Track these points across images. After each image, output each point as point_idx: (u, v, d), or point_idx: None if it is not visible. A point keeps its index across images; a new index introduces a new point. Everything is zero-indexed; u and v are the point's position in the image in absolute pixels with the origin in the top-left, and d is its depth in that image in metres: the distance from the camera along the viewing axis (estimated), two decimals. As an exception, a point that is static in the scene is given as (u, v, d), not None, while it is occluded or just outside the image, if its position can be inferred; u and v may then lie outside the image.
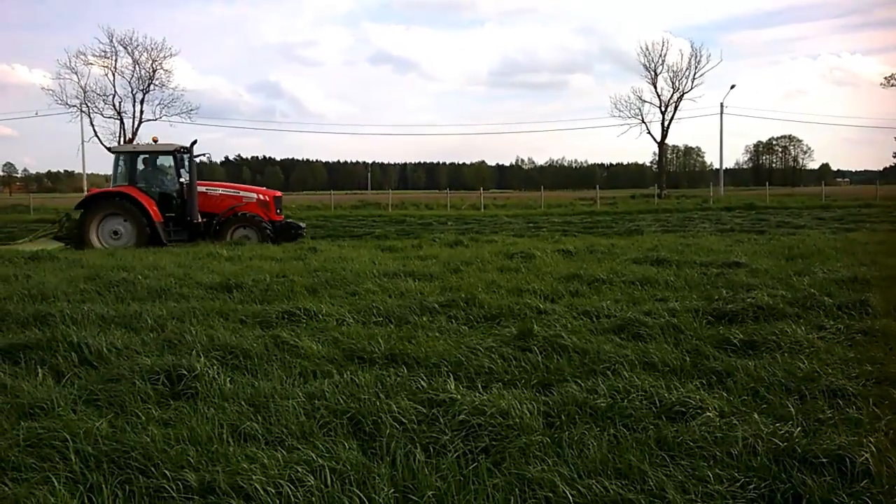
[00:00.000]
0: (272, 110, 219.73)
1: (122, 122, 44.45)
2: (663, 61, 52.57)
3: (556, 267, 9.54)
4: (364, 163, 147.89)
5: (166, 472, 3.18)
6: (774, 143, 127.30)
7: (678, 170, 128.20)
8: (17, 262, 11.03)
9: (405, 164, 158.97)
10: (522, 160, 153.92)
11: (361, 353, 5.13)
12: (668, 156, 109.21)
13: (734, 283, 7.76)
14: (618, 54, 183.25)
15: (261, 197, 17.03)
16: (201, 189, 16.57)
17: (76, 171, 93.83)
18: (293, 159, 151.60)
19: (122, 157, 16.68)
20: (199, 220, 16.31)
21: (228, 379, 4.49)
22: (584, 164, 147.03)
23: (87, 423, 3.67)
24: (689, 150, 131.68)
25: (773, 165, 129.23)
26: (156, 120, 44.87)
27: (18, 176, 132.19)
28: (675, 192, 62.12)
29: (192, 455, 3.34)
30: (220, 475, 3.11)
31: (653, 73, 52.69)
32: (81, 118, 44.52)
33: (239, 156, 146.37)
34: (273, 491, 2.98)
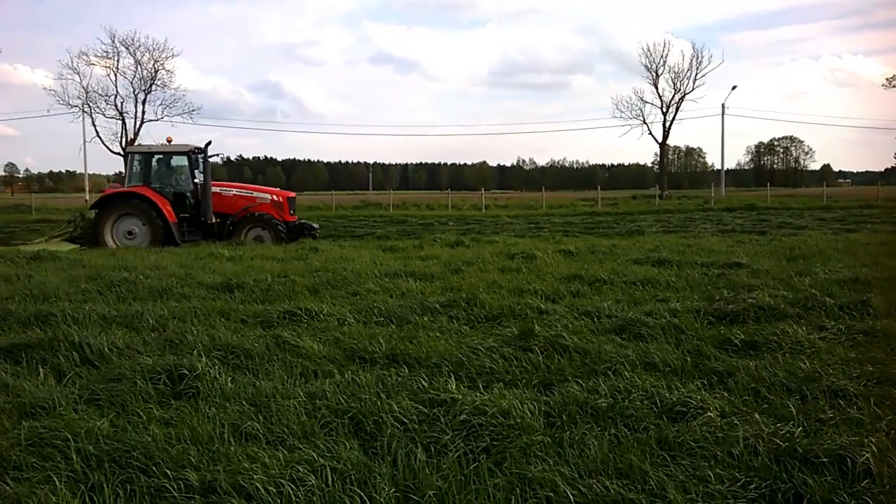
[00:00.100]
0: (273, 110, 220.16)
1: (123, 123, 44.42)
2: (664, 62, 52.68)
3: (557, 267, 9.54)
4: (365, 163, 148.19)
5: (167, 471, 3.18)
6: (776, 143, 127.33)
7: (679, 170, 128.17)
8: (18, 261, 11.04)
9: (406, 164, 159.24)
10: (524, 161, 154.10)
11: (362, 352, 5.14)
12: (670, 156, 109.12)
13: (735, 284, 7.76)
14: (619, 55, 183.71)
15: (274, 198, 17.08)
16: (215, 189, 16.62)
17: (78, 172, 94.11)
18: (294, 159, 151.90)
19: (136, 158, 16.71)
20: (214, 220, 16.37)
21: (230, 378, 4.49)
22: (586, 165, 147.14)
23: (88, 423, 3.67)
24: (690, 151, 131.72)
25: (775, 166, 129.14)
26: (157, 120, 44.90)
27: (20, 176, 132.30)
28: (677, 193, 62.10)
29: (193, 454, 3.35)
30: (221, 474, 3.11)
31: (654, 73, 52.78)
32: (83, 118, 44.51)
33: (240, 156, 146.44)
34: (274, 490, 2.99)
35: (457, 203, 41.44)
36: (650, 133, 53.74)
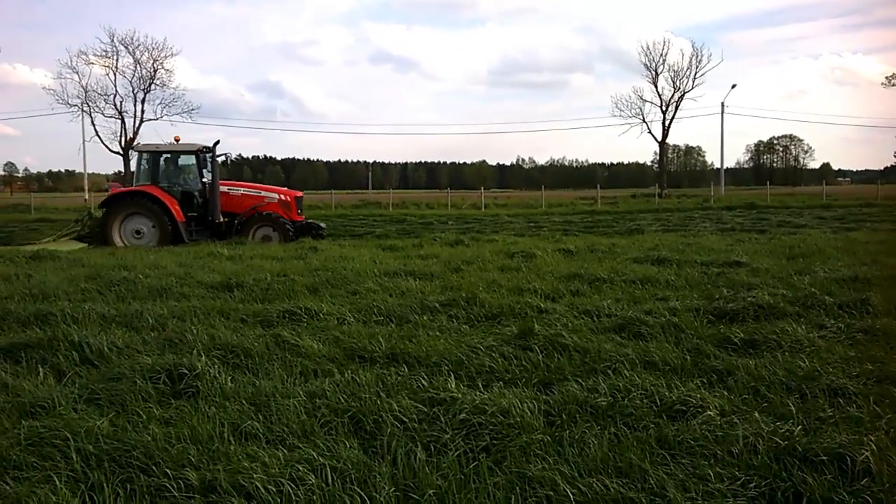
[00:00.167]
0: (273, 110, 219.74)
1: (123, 122, 44.42)
2: (664, 61, 52.65)
3: (556, 266, 9.54)
4: (365, 162, 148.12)
5: (167, 470, 3.18)
6: (775, 142, 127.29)
7: (679, 169, 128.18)
8: (18, 261, 11.04)
9: (406, 163, 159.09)
10: (523, 160, 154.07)
11: (362, 352, 5.14)
12: (669, 155, 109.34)
13: (735, 283, 7.76)
14: (618, 54, 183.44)
15: (282, 197, 17.11)
16: (223, 189, 16.64)
17: (77, 171, 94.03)
18: (294, 159, 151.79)
19: (144, 157, 16.74)
20: (222, 219, 16.38)
21: (229, 378, 4.49)
22: (585, 164, 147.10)
23: (88, 422, 3.67)
24: (689, 150, 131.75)
25: (774, 165, 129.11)
26: (157, 119, 44.91)
27: (19, 175, 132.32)
28: (676, 192, 62.13)
29: (193, 454, 3.35)
30: (221, 474, 3.11)
31: (653, 72, 52.77)
32: (83, 118, 44.52)
33: (240, 155, 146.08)
34: (274, 489, 2.99)
35: (456, 202, 41.44)
36: (650, 132, 53.78)
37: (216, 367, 4.65)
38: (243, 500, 2.96)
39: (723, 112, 51.60)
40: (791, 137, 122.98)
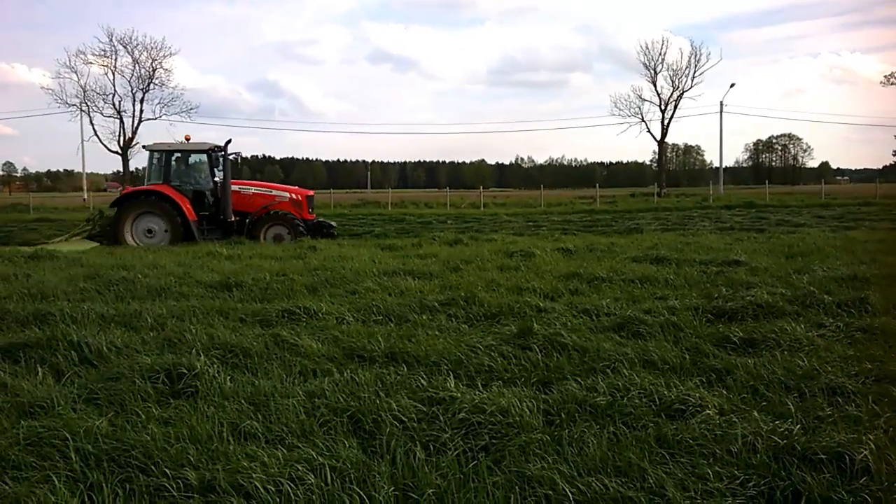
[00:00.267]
0: (271, 109, 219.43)
1: (121, 122, 44.51)
2: (663, 60, 52.65)
3: (555, 265, 9.54)
4: (364, 161, 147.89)
5: (166, 470, 3.18)
6: (774, 141, 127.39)
7: (678, 168, 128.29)
8: (16, 260, 11.03)
9: (405, 162, 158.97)
10: (522, 159, 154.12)
11: (361, 351, 5.14)
12: (668, 154, 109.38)
13: (734, 282, 7.77)
14: (617, 53, 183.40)
15: (293, 196, 17.12)
16: (234, 188, 16.62)
17: (76, 171, 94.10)
18: (293, 158, 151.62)
19: (156, 156, 16.71)
20: (233, 218, 16.39)
21: (228, 377, 4.49)
22: (584, 163, 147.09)
23: (87, 422, 3.67)
24: (688, 149, 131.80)
25: (773, 164, 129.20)
26: (155, 119, 44.93)
27: (18, 175, 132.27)
28: (675, 191, 62.14)
29: (192, 453, 3.35)
30: (220, 473, 3.11)
31: (652, 71, 52.76)
32: (81, 117, 44.60)
33: (239, 154, 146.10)
34: (273, 489, 2.99)
35: (455, 201, 41.42)
36: (648, 131, 53.79)
37: (215, 366, 4.65)
38: (242, 499, 2.96)
39: (721, 111, 51.74)
40: (790, 136, 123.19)
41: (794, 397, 4.06)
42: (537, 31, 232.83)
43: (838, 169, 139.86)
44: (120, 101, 44.22)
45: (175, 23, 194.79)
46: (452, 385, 4.19)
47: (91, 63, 43.28)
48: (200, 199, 16.45)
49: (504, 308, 6.52)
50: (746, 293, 6.82)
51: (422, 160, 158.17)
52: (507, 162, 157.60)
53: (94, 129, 44.50)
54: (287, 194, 17.18)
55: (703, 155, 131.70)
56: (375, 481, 3.08)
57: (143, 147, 16.68)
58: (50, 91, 44.06)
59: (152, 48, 44.18)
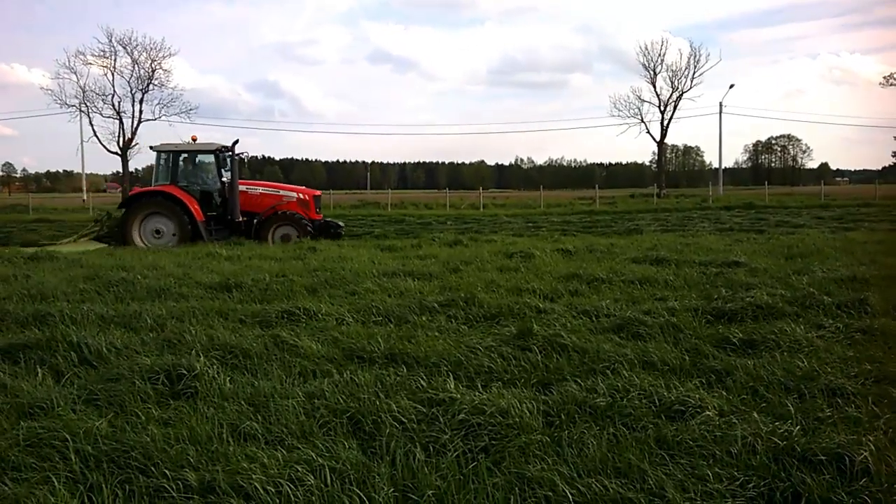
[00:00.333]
0: (271, 109, 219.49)
1: (121, 122, 44.46)
2: (662, 60, 52.57)
3: (555, 266, 9.54)
4: (363, 162, 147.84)
5: (166, 471, 3.18)
6: (773, 142, 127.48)
7: (677, 169, 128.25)
8: (16, 261, 11.03)
9: (404, 163, 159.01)
10: (522, 160, 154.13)
11: (361, 352, 5.14)
12: (668, 155, 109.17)
13: (733, 283, 7.77)
14: (617, 54, 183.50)
15: (301, 196, 17.13)
16: (242, 188, 16.63)
17: (75, 171, 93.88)
18: (292, 159, 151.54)
19: (163, 156, 16.72)
20: (241, 218, 16.38)
21: (228, 378, 4.49)
22: (584, 164, 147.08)
23: (86, 423, 3.67)
24: (688, 150, 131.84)
25: (772, 165, 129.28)
26: (155, 120, 44.90)
27: (17, 176, 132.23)
28: (675, 192, 62.14)
29: (191, 454, 3.35)
30: (219, 474, 3.11)
31: (652, 72, 52.70)
32: (80, 118, 44.54)
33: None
34: (273, 490, 2.99)
35: (455, 202, 41.43)
36: (648, 132, 53.72)
37: (215, 367, 4.65)
38: (242, 500, 2.96)
39: (721, 112, 51.69)
40: (789, 137, 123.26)
41: (793, 398, 4.06)
42: (537, 31, 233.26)
43: (838, 170, 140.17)
44: (119, 102, 44.19)
45: (174, 23, 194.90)
46: (452, 386, 4.19)
47: (90, 64, 43.22)
48: (208, 200, 16.48)
49: (504, 309, 6.52)
50: (746, 294, 6.82)
51: (421, 161, 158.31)
52: (506, 163, 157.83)
53: (93, 129, 44.46)
54: (294, 194, 17.19)
55: (702, 156, 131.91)
56: (375, 482, 3.08)
57: (151, 148, 16.68)
58: (49, 91, 44.07)
59: (152, 49, 44.13)
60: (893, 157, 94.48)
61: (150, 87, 44.13)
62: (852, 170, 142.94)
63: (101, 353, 5.14)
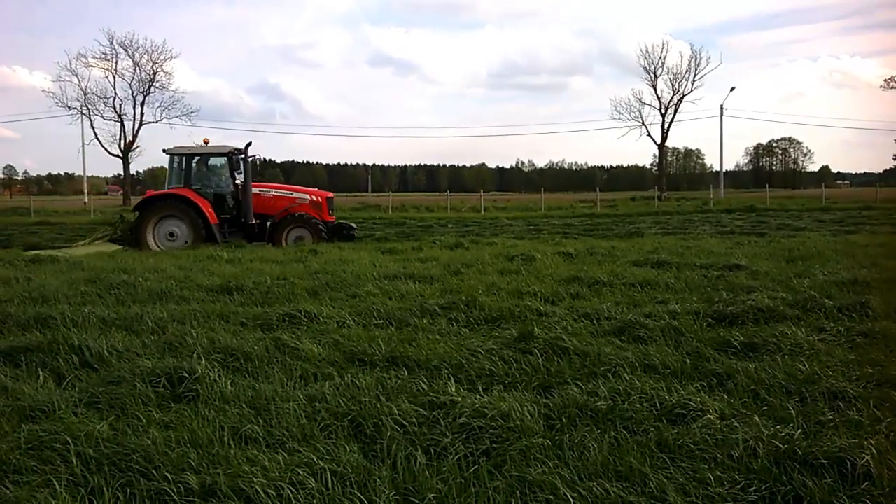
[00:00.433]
0: (272, 112, 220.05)
1: (122, 125, 44.59)
2: (663, 63, 52.89)
3: (556, 269, 9.54)
4: (364, 165, 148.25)
5: (167, 474, 3.18)
6: (774, 145, 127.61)
7: (678, 172, 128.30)
8: (17, 264, 11.04)
9: (405, 166, 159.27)
10: (522, 162, 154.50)
11: (362, 355, 5.14)
12: (668, 158, 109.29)
13: (734, 286, 7.76)
14: (618, 57, 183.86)
15: (314, 198, 17.15)
16: (255, 190, 16.66)
17: (77, 174, 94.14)
18: (293, 161, 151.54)
19: (176, 159, 16.75)
20: (254, 221, 16.39)
21: (229, 381, 4.49)
22: (585, 167, 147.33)
23: (88, 426, 3.67)
24: (689, 153, 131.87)
25: (773, 167, 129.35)
26: (156, 122, 45.00)
27: (19, 178, 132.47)
28: (676, 195, 62.17)
29: (193, 457, 3.35)
30: (221, 478, 3.11)
31: (653, 75, 52.97)
32: (82, 120, 44.71)
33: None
34: (274, 493, 2.99)
35: (456, 205, 41.44)
36: (649, 134, 53.95)
37: (216, 370, 4.65)
38: (243, 503, 2.96)
39: (722, 115, 51.79)
40: (790, 140, 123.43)
41: (795, 402, 4.05)
42: (537, 34, 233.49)
43: (839, 173, 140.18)
44: (120, 105, 44.35)
45: (175, 25, 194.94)
46: (453, 389, 4.18)
47: (92, 66, 43.46)
48: (221, 202, 16.51)
49: (505, 312, 6.51)
50: (747, 297, 6.81)
51: (422, 164, 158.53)
52: (507, 165, 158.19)
53: (94, 132, 44.62)
54: (307, 196, 17.22)
55: (703, 158, 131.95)
56: (376, 486, 3.08)
57: (164, 151, 16.75)
58: (51, 94, 44.45)
59: (153, 51, 44.31)
60: (894, 159, 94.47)
61: (152, 89, 44.28)
62: (853, 173, 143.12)
63: (103, 356, 5.14)
